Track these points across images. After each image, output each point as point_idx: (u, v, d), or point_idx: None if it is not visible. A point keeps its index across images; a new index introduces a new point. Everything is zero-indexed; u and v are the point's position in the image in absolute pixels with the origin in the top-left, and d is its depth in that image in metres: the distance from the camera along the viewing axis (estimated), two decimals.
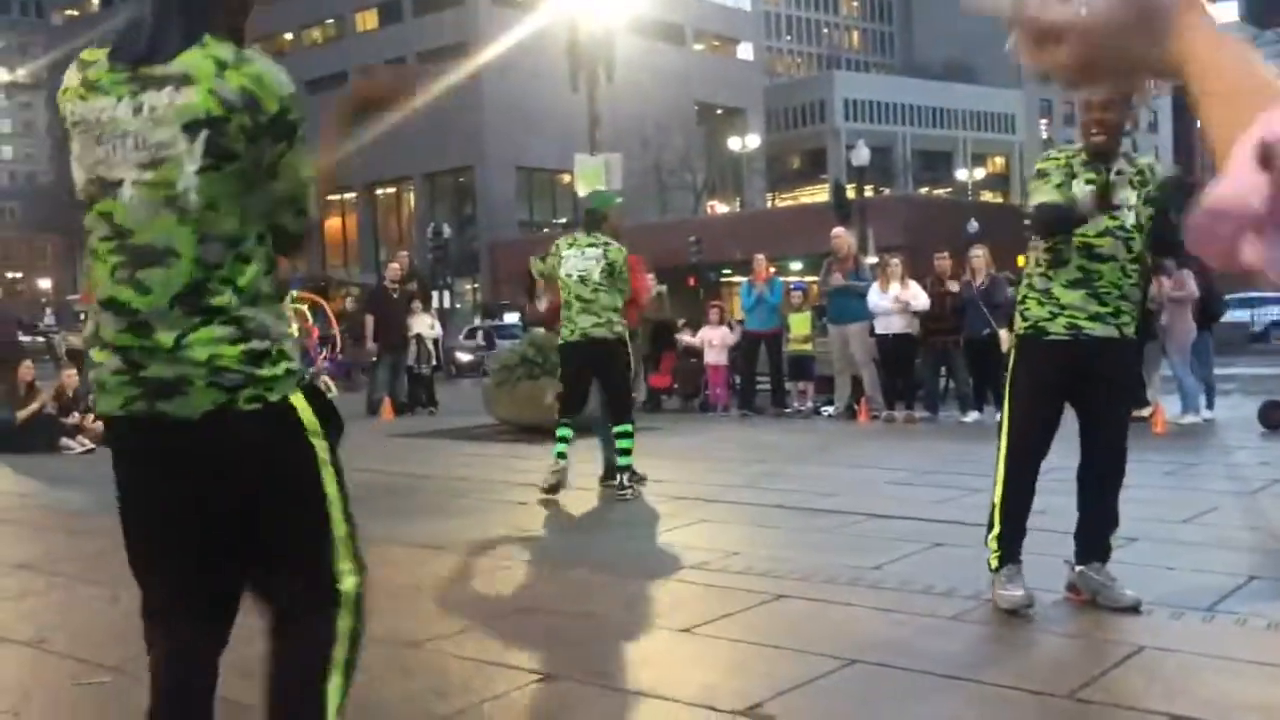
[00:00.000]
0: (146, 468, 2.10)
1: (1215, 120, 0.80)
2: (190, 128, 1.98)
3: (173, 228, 2.00)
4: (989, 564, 4.13)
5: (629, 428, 6.90)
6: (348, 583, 2.16)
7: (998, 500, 4.19)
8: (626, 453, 6.90)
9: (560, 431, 6.94)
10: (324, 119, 2.26)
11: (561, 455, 6.86)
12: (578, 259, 6.92)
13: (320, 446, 2.10)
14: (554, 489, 6.77)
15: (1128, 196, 4.08)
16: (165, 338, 1.99)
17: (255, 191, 2.07)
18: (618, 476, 6.90)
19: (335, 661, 2.12)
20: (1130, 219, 4.08)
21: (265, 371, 2.03)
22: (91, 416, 10.93)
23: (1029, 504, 4.17)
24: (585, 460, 7.39)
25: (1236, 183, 0.72)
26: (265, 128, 2.01)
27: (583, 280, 6.85)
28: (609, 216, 7.16)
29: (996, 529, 4.14)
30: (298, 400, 2.08)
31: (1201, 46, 0.83)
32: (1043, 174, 4.18)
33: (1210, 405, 10.66)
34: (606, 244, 6.92)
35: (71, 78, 2.10)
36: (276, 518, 2.09)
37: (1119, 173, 4.10)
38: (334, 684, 2.11)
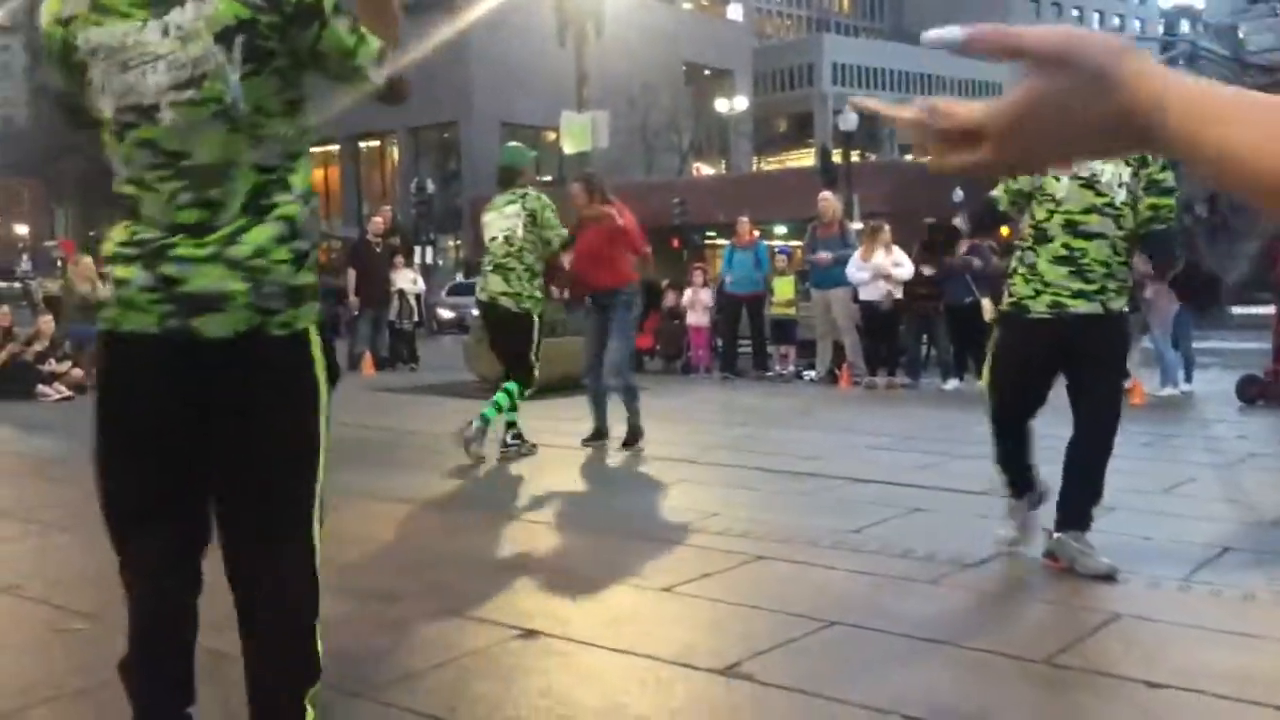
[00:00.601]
0: (159, 385, 2.04)
1: (1248, 143, 0.70)
2: (223, 36, 1.96)
3: (227, 139, 2.00)
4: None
5: (513, 388, 6.72)
6: (316, 532, 2.11)
7: (996, 459, 4.34)
8: (500, 408, 6.71)
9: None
10: None
11: (510, 424, 6.79)
12: (499, 220, 6.76)
13: (323, 391, 2.11)
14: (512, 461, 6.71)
15: (1119, 173, 4.06)
16: (220, 234, 1.98)
17: (300, 84, 2.06)
18: (475, 421, 6.68)
19: (316, 610, 2.11)
20: (1121, 195, 4.05)
21: (302, 279, 2.04)
22: (70, 364, 10.84)
23: (1026, 453, 4.30)
24: (566, 419, 7.37)
25: None
26: (291, 18, 1.99)
27: (508, 240, 6.69)
28: (523, 172, 6.92)
29: (1004, 478, 4.33)
30: (314, 337, 2.09)
31: (1172, 84, 0.74)
32: None
33: (1189, 379, 10.72)
34: (524, 195, 6.73)
35: (72, 4, 2.03)
36: (274, 450, 2.07)
37: None
38: (316, 635, 2.12)
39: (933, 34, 0.77)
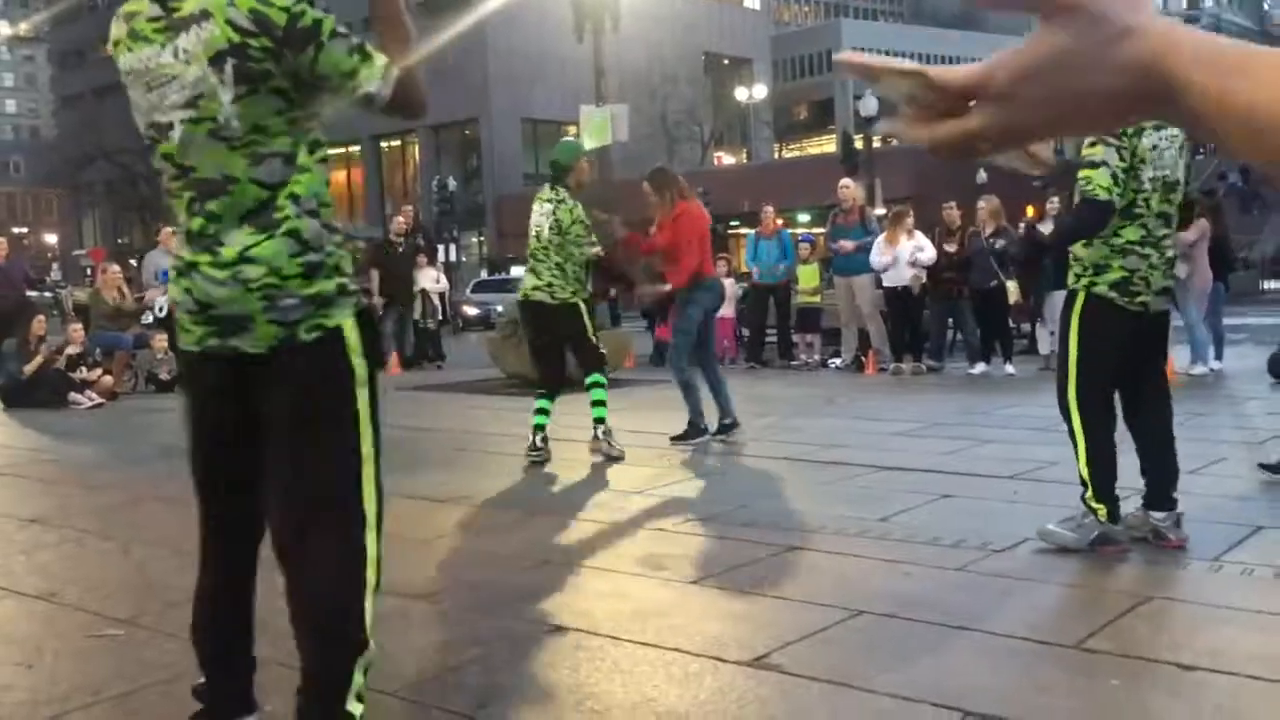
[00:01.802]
0: (218, 391, 2.25)
1: (1264, 93, 0.64)
2: (215, 60, 2.09)
3: (224, 156, 2.13)
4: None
5: (600, 378, 6.75)
6: (371, 506, 2.23)
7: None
8: (600, 404, 6.73)
9: (538, 403, 6.66)
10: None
11: (539, 427, 6.59)
12: (536, 214, 6.76)
13: (359, 364, 2.22)
14: (539, 465, 6.54)
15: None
16: (230, 251, 2.13)
17: (306, 101, 2.16)
18: (595, 429, 6.70)
19: (369, 583, 2.22)
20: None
21: (318, 287, 2.16)
22: (100, 371, 10.98)
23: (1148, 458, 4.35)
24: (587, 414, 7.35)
25: None
26: (283, 42, 2.10)
27: (537, 236, 6.68)
28: (572, 169, 6.78)
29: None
30: (349, 330, 2.21)
31: (1186, 34, 0.67)
32: None
33: (1219, 356, 10.61)
34: (560, 201, 6.66)
35: (117, 30, 2.23)
36: (310, 430, 2.19)
37: None
38: (369, 603, 2.22)
39: None
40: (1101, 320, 4.11)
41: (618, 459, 6.55)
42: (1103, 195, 4.02)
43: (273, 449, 2.20)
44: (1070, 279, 4.21)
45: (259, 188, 2.13)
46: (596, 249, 6.76)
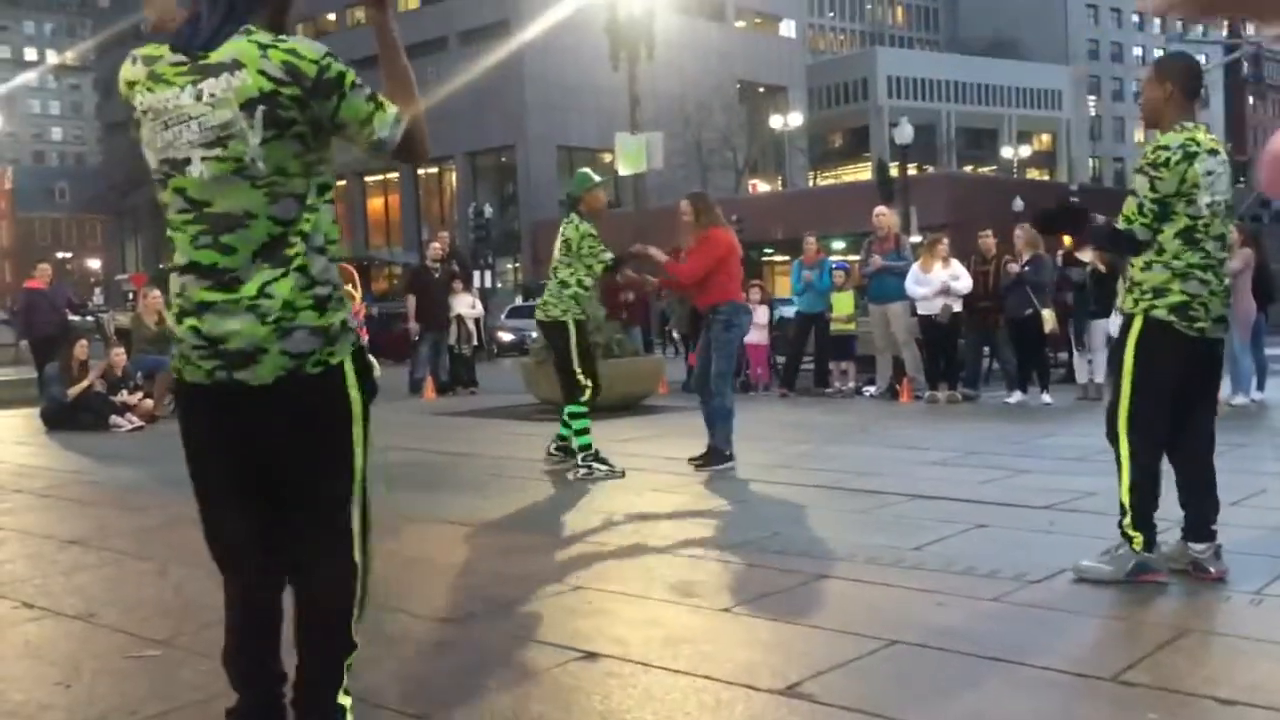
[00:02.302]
0: (221, 425, 2.42)
1: None
2: (247, 106, 2.26)
3: (247, 194, 2.29)
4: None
5: (578, 409, 6.93)
6: (356, 522, 2.49)
7: None
8: (581, 432, 6.92)
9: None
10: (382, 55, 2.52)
11: (584, 446, 6.95)
12: (557, 240, 7.13)
13: (356, 398, 2.43)
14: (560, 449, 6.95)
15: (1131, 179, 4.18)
16: (250, 288, 2.28)
17: (320, 147, 2.34)
18: (576, 455, 6.93)
19: (355, 595, 2.49)
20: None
21: (327, 320, 2.33)
22: (140, 394, 11.14)
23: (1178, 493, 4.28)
24: (622, 439, 7.37)
25: None
26: (311, 91, 2.27)
27: (554, 260, 7.08)
28: (583, 198, 7.06)
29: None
30: (348, 367, 2.40)
31: None
32: None
33: (1261, 386, 10.47)
34: (567, 222, 7.04)
35: (135, 72, 2.38)
36: (312, 460, 2.42)
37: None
38: (354, 614, 2.49)
39: None
40: (1159, 345, 4.08)
41: (602, 478, 6.75)
42: (1120, 224, 4.09)
43: (277, 476, 2.43)
44: (1129, 303, 4.15)
45: (274, 224, 2.30)
46: (609, 255, 6.99)
